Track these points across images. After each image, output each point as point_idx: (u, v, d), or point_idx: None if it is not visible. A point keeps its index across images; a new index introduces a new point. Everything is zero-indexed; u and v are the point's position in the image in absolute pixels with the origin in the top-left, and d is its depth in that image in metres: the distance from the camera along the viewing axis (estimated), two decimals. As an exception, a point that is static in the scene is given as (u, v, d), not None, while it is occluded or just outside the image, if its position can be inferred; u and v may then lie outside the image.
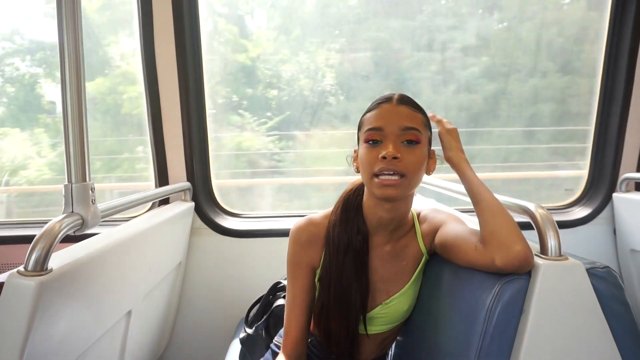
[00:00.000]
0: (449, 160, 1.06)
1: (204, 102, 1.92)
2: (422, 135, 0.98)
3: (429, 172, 1.04)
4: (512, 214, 1.01)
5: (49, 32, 2.17)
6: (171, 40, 1.79)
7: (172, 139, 1.89)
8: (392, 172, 0.94)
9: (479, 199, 0.96)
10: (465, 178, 1.01)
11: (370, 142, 0.98)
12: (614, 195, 2.02)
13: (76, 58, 0.92)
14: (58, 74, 0.94)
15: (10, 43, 2.25)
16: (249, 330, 1.41)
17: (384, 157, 0.94)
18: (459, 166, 1.03)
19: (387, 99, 1.00)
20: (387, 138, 0.96)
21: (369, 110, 1.02)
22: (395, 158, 0.93)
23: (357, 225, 1.07)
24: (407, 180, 0.96)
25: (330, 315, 1.07)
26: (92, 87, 2.15)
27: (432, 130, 1.05)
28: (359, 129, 1.04)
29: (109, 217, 1.13)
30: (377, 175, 0.96)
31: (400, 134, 0.96)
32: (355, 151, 1.08)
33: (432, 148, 1.05)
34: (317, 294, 1.10)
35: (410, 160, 0.95)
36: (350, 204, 1.10)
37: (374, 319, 1.10)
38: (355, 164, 1.07)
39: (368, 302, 1.07)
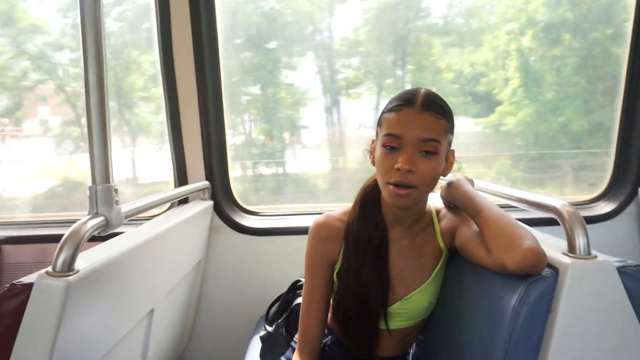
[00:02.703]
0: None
1: (222, 101, 1.93)
2: (441, 146, 0.96)
3: (444, 175, 1.04)
4: (535, 211, 0.99)
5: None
6: (189, 41, 1.80)
7: (190, 139, 1.90)
8: (404, 184, 0.94)
9: (479, 209, 0.97)
10: (461, 193, 1.05)
11: (388, 148, 0.97)
12: None
13: (99, 62, 0.93)
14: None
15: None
16: (269, 328, 1.42)
17: (398, 169, 0.94)
18: (455, 184, 1.08)
19: (410, 102, 0.96)
20: (405, 147, 0.95)
21: (390, 110, 0.99)
22: (410, 171, 0.93)
23: (375, 221, 1.08)
24: (419, 191, 0.97)
25: (349, 310, 1.07)
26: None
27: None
28: (379, 124, 1.03)
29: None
30: (390, 182, 0.96)
31: (419, 144, 0.94)
32: (373, 142, 1.08)
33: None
34: (335, 289, 1.10)
35: (425, 171, 0.95)
36: (369, 200, 1.10)
37: (394, 314, 1.09)
38: (371, 157, 1.07)
39: (389, 297, 1.07)
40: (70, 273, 0.85)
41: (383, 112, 1.02)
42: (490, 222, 0.93)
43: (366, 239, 1.06)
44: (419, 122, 0.95)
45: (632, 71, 1.92)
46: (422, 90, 0.99)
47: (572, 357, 0.79)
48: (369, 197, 1.10)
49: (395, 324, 1.10)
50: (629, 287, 0.79)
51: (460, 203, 1.06)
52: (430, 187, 0.99)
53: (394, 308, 1.08)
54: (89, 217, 0.92)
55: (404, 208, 1.00)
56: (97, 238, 1.02)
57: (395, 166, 0.94)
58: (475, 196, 1.02)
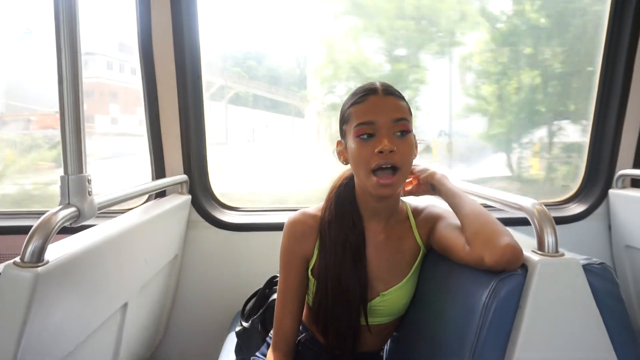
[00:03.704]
0: (431, 179, 1.12)
1: (202, 94, 1.91)
2: (410, 124, 1.00)
3: (414, 157, 1.06)
4: (509, 210, 1.02)
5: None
6: (169, 32, 1.78)
7: (169, 132, 1.88)
8: (389, 166, 0.96)
9: (461, 206, 1.00)
10: (446, 191, 1.07)
11: (364, 137, 0.98)
12: (610, 191, 2.03)
13: (73, 51, 0.92)
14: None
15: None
16: (245, 324, 1.42)
17: (380, 152, 0.95)
18: (440, 182, 1.09)
19: (372, 91, 1.00)
20: (380, 131, 0.97)
21: (355, 103, 1.01)
22: (391, 152, 0.95)
23: (352, 219, 1.08)
24: (402, 173, 0.98)
25: (330, 310, 1.07)
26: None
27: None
28: (345, 122, 1.04)
29: (105, 209, 1.13)
30: (374, 172, 0.97)
31: (392, 125, 0.97)
32: (339, 143, 1.09)
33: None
34: (313, 289, 1.11)
35: (404, 151, 0.98)
36: (344, 199, 1.11)
37: (373, 310, 1.10)
38: (342, 157, 1.08)
39: (368, 293, 1.08)
40: (40, 264, 0.83)
41: (346, 109, 1.04)
42: (472, 218, 0.95)
43: (344, 239, 1.07)
44: (387, 105, 0.98)
45: (604, 76, 1.98)
46: (377, 82, 1.03)
47: (538, 351, 0.81)
48: (343, 195, 1.11)
49: (375, 320, 1.11)
50: (594, 284, 0.82)
51: (445, 199, 1.09)
52: (409, 170, 1.02)
53: (373, 304, 1.09)
54: (60, 207, 0.90)
55: (389, 196, 1.02)
56: (70, 230, 1.00)
57: (377, 150, 0.95)
58: (458, 194, 1.05)
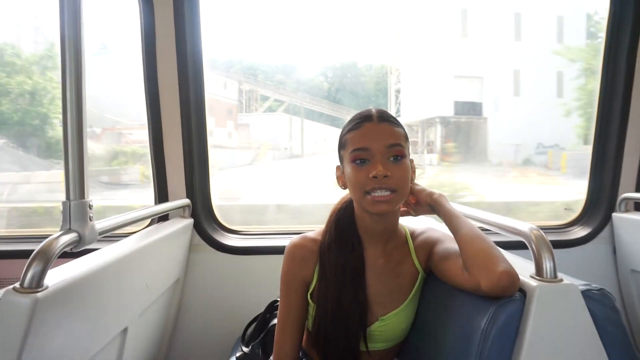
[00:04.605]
0: (429, 199, 1.10)
1: (205, 118, 1.94)
2: (405, 149, 1.02)
3: (412, 181, 1.08)
4: (507, 234, 1.02)
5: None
6: (173, 58, 1.82)
7: (172, 156, 1.90)
8: (384, 189, 0.97)
9: (458, 228, 1.01)
10: (444, 211, 1.06)
11: (358, 162, 1.00)
12: (614, 215, 2.01)
13: (77, 77, 0.94)
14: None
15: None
16: (246, 349, 1.41)
17: (374, 177, 0.97)
18: (438, 202, 1.08)
19: (368, 118, 1.03)
20: (375, 157, 0.99)
21: (351, 129, 1.04)
22: (385, 177, 0.97)
23: (351, 242, 1.09)
24: (398, 194, 1.00)
25: (329, 335, 1.07)
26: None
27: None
28: (342, 147, 1.07)
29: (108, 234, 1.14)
30: (368, 193, 0.98)
31: (386, 151, 0.99)
32: (338, 168, 1.11)
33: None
34: (313, 313, 1.10)
35: (399, 175, 0.99)
36: (343, 222, 1.12)
37: (372, 335, 1.09)
38: (340, 182, 1.11)
39: (367, 318, 1.07)
40: (39, 290, 0.84)
41: (343, 135, 1.07)
42: (468, 241, 0.95)
43: (343, 263, 1.07)
44: (382, 132, 1.01)
45: (603, 100, 2.00)
46: (373, 108, 1.06)
47: None
48: (343, 219, 1.12)
49: (374, 345, 1.10)
50: (593, 310, 0.82)
51: (443, 219, 1.09)
52: (406, 191, 1.03)
53: (372, 328, 1.09)
54: (61, 232, 0.91)
55: (386, 213, 1.03)
56: (71, 254, 1.01)
57: (371, 175, 0.97)
58: (456, 216, 1.05)
